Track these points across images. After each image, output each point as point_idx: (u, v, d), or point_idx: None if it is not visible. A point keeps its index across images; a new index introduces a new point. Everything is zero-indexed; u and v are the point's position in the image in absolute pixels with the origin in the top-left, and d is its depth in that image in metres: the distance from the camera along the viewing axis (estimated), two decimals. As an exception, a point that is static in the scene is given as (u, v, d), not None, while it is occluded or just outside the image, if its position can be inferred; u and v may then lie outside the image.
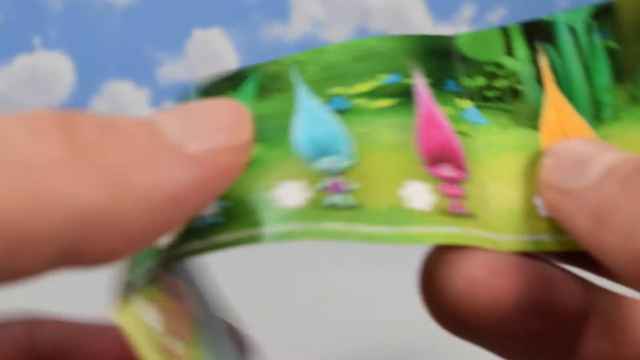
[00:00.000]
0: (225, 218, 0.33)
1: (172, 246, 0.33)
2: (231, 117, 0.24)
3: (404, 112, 0.36)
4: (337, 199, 0.33)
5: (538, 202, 0.36)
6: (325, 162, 0.34)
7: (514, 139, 0.36)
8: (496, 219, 0.35)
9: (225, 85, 0.37)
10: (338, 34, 1.12)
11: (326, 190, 0.33)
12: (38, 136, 0.17)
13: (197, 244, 0.32)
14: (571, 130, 0.36)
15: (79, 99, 1.11)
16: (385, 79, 0.36)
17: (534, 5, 1.10)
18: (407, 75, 0.36)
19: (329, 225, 0.33)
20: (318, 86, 0.36)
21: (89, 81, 1.12)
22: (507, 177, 0.36)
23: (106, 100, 1.11)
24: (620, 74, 0.36)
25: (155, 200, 0.19)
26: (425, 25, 1.12)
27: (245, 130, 0.25)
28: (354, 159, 0.34)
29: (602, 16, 0.37)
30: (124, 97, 1.11)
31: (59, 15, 1.12)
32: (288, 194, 0.33)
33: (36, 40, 1.12)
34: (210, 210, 0.33)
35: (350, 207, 0.33)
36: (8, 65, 1.12)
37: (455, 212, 0.34)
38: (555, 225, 0.35)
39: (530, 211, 0.35)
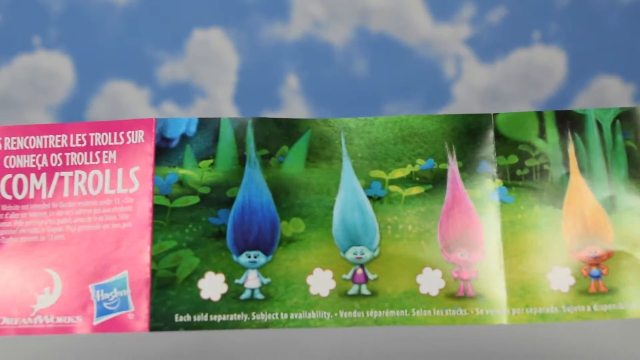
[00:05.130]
0: (263, 296, 0.40)
1: (216, 305, 0.40)
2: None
3: (433, 199, 0.42)
4: (356, 289, 0.40)
5: (550, 277, 0.41)
6: (353, 254, 0.41)
7: (537, 217, 0.41)
8: (506, 294, 0.40)
9: (279, 133, 0.43)
10: (338, 34, 1.12)
11: (349, 281, 0.40)
12: None
13: (237, 315, 0.40)
14: (589, 214, 0.41)
15: (79, 99, 1.12)
16: (422, 164, 0.42)
17: (534, 5, 1.10)
18: (442, 160, 0.42)
19: (345, 313, 0.40)
20: (362, 165, 0.42)
21: (89, 81, 1.12)
22: (523, 255, 0.41)
23: (106, 100, 1.11)
24: (635, 170, 0.42)
25: None
26: (425, 25, 1.13)
27: None
28: (377, 250, 0.41)
29: (626, 118, 0.42)
30: (124, 97, 1.11)
31: (59, 15, 1.12)
32: (318, 281, 0.40)
33: (36, 40, 1.12)
34: (254, 282, 0.41)
35: (366, 296, 0.40)
36: (8, 65, 1.12)
37: (463, 295, 0.40)
38: (564, 298, 0.40)
39: (542, 285, 0.40)
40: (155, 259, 0.41)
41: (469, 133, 0.42)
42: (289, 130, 0.43)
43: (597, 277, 0.40)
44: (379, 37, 1.12)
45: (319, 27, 1.11)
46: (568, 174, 0.42)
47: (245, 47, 1.11)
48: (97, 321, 0.40)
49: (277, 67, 1.09)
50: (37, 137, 0.43)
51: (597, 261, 0.41)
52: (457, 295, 0.40)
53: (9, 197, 0.42)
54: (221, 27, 1.12)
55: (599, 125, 0.42)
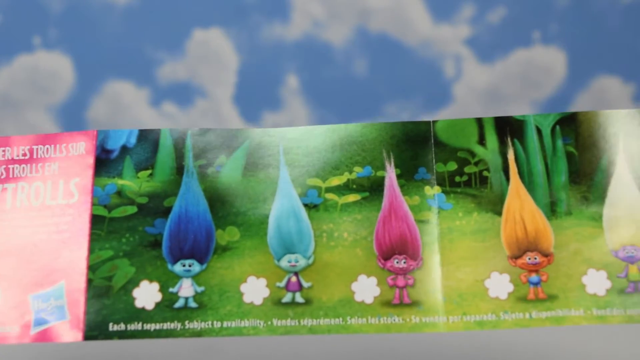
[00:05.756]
0: (197, 304, 0.40)
1: (150, 314, 0.40)
2: None
3: (370, 207, 0.42)
4: (290, 297, 0.40)
5: (488, 284, 0.40)
6: (287, 261, 0.41)
7: (475, 224, 0.41)
8: (443, 301, 0.40)
9: (218, 143, 0.43)
10: (338, 34, 1.12)
11: (282, 289, 0.40)
12: None
13: (170, 324, 0.40)
14: (529, 220, 0.41)
15: (79, 99, 1.12)
16: (359, 172, 0.42)
17: (534, 5, 1.10)
18: (380, 167, 0.42)
19: (279, 322, 0.40)
20: (299, 173, 0.42)
21: (89, 81, 1.12)
22: (461, 262, 0.41)
23: (106, 100, 1.11)
24: (575, 176, 0.42)
25: None
26: (425, 25, 1.13)
27: None
28: (311, 258, 0.41)
29: (566, 124, 0.42)
30: (124, 97, 1.11)
31: (59, 15, 1.12)
32: (252, 290, 0.40)
33: (36, 40, 1.12)
34: (187, 291, 0.41)
35: (301, 304, 0.40)
36: (8, 65, 1.12)
37: (399, 303, 0.40)
38: (502, 305, 0.40)
39: (480, 293, 0.40)
40: (92, 268, 0.41)
41: (407, 140, 0.42)
42: (227, 140, 0.44)
43: (536, 283, 0.40)
44: (379, 37, 1.12)
45: (319, 27, 1.11)
46: (508, 180, 0.42)
47: (245, 47, 1.11)
48: (34, 331, 0.41)
49: (277, 67, 1.09)
50: None
51: (536, 267, 0.40)
52: (392, 302, 0.40)
53: None
54: (221, 27, 1.12)
55: (539, 131, 0.42)
